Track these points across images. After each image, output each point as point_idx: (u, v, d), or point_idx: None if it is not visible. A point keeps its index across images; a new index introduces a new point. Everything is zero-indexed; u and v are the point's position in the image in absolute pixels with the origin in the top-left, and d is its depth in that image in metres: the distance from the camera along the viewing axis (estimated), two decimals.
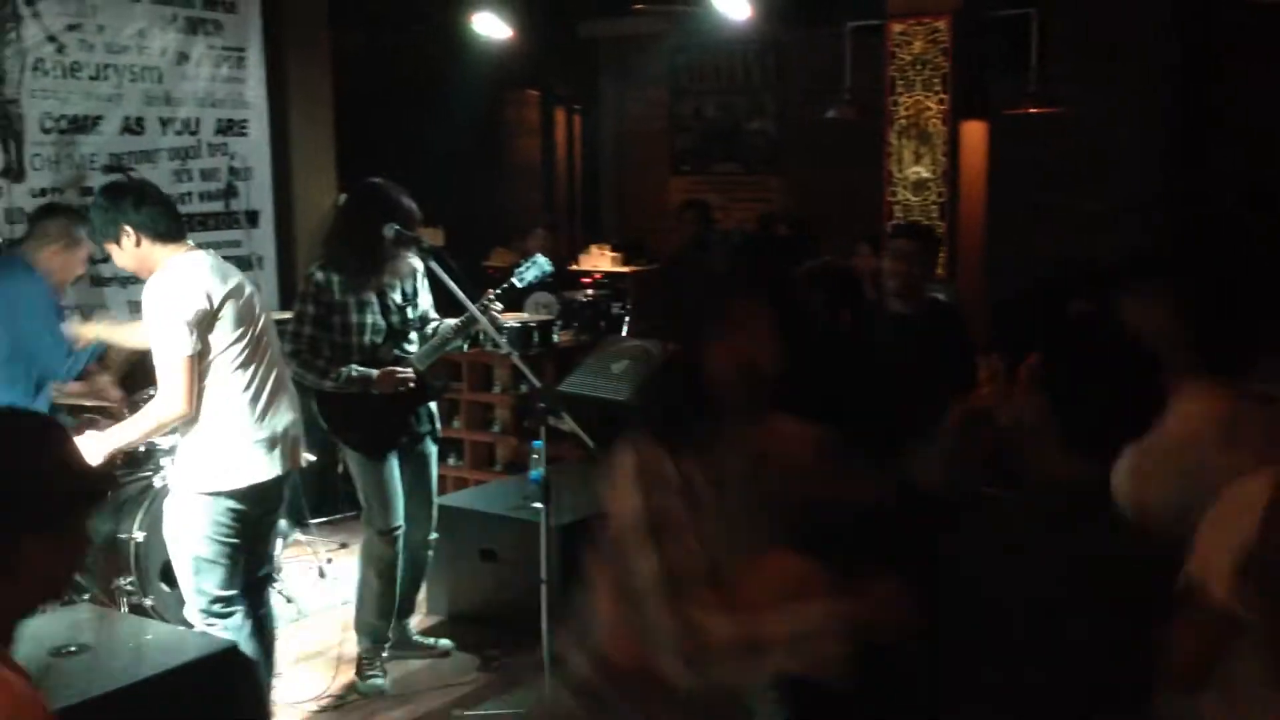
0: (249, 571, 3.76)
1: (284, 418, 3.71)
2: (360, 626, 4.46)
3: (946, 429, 4.20)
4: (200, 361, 3.52)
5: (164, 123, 6.05)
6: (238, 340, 3.58)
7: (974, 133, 4.90)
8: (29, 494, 1.73)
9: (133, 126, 5.91)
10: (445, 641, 4.71)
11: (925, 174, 4.87)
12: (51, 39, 5.56)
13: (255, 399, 3.63)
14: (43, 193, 5.55)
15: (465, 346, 5.27)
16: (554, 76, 9.14)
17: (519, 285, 4.57)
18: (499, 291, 4.42)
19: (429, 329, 4.51)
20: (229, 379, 3.58)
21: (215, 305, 3.53)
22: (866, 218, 6.06)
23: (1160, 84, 6.90)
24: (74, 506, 1.79)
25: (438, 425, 4.59)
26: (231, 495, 3.60)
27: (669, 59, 8.97)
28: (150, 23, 5.94)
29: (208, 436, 3.58)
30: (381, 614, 4.42)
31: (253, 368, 3.62)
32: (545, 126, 9.13)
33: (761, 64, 8.61)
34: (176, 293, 3.51)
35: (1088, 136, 6.89)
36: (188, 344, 3.48)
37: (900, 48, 4.86)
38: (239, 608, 3.69)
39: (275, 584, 4.95)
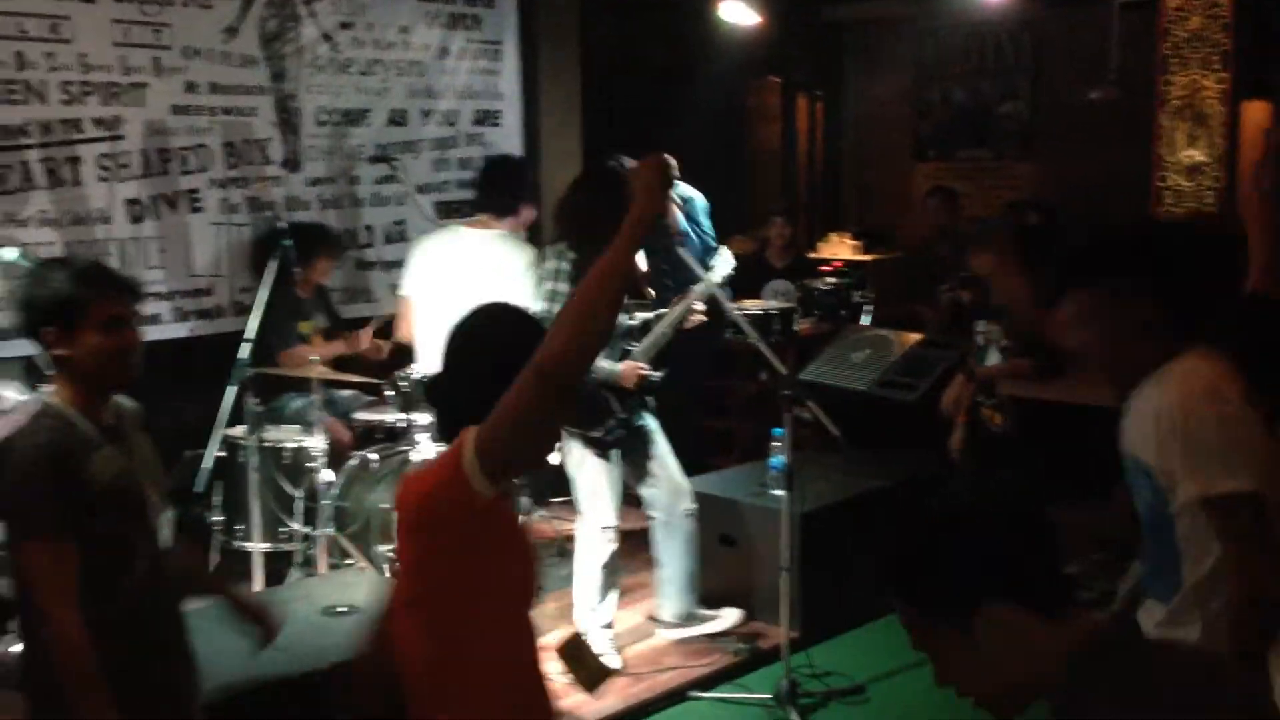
0: None
1: None
2: (579, 618, 4.49)
3: None
4: None
5: (425, 114, 6.34)
6: None
7: (1256, 113, 4.55)
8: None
9: (397, 119, 6.22)
10: (732, 611, 4.74)
11: (1200, 157, 4.55)
12: (326, 37, 5.91)
13: None
14: (316, 182, 5.93)
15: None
16: (796, 62, 9.05)
17: (718, 281, 4.56)
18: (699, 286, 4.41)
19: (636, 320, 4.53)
20: None
21: None
22: (1128, 204, 5.73)
23: None
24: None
25: (650, 404, 4.59)
26: None
27: (915, 42, 8.75)
28: (415, 19, 6.24)
29: None
30: (601, 605, 4.47)
31: None
32: (786, 113, 9.06)
33: (1015, 45, 8.26)
34: None
35: None
36: None
37: (1175, 24, 4.57)
38: None
39: None
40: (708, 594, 5.00)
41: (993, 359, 4.79)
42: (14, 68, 4.85)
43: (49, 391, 2.45)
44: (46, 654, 2.29)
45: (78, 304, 2.34)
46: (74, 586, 2.26)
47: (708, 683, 4.38)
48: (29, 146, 4.92)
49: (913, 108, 8.84)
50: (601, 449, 4.40)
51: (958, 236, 6.87)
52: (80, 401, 2.39)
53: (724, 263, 4.63)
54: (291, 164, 5.82)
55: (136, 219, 5.28)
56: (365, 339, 5.51)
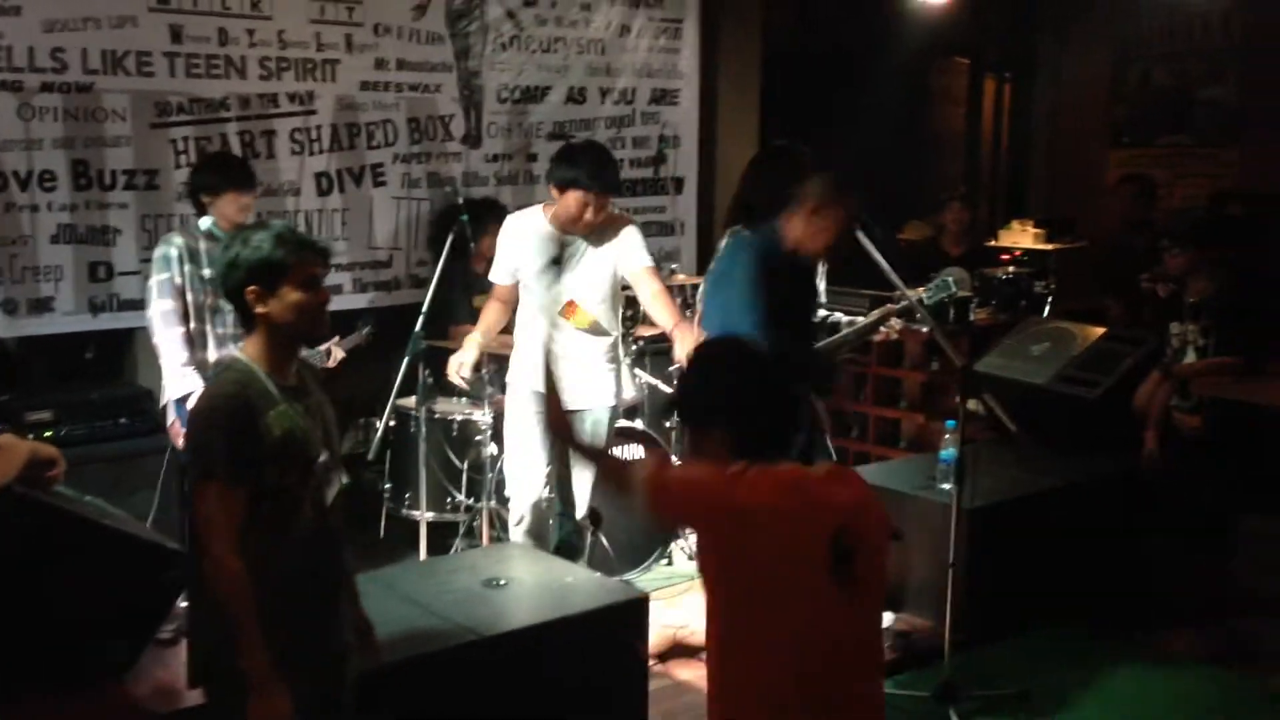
0: None
1: None
2: None
3: None
4: None
5: (603, 92, 6.37)
6: None
7: None
8: None
9: (575, 96, 6.26)
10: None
11: None
12: (510, 15, 5.99)
13: None
14: (495, 158, 6.03)
15: None
16: (986, 43, 8.74)
17: (926, 304, 4.41)
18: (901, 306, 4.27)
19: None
20: None
21: None
22: None
23: None
24: None
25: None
26: None
27: (1115, 21, 8.32)
28: None
29: None
30: None
31: None
32: (972, 95, 8.76)
33: (1225, 24, 7.76)
34: None
35: None
36: None
37: None
38: None
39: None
40: None
41: (1189, 360, 4.55)
42: (217, 43, 5.07)
43: (239, 348, 2.58)
44: (208, 599, 2.41)
45: (281, 264, 2.48)
46: (237, 532, 2.39)
47: None
48: (228, 119, 5.14)
49: (1110, 90, 8.41)
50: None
51: (1153, 229, 6.51)
52: (268, 359, 2.52)
53: (943, 289, 4.49)
54: (472, 140, 5.93)
55: (323, 191, 5.47)
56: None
